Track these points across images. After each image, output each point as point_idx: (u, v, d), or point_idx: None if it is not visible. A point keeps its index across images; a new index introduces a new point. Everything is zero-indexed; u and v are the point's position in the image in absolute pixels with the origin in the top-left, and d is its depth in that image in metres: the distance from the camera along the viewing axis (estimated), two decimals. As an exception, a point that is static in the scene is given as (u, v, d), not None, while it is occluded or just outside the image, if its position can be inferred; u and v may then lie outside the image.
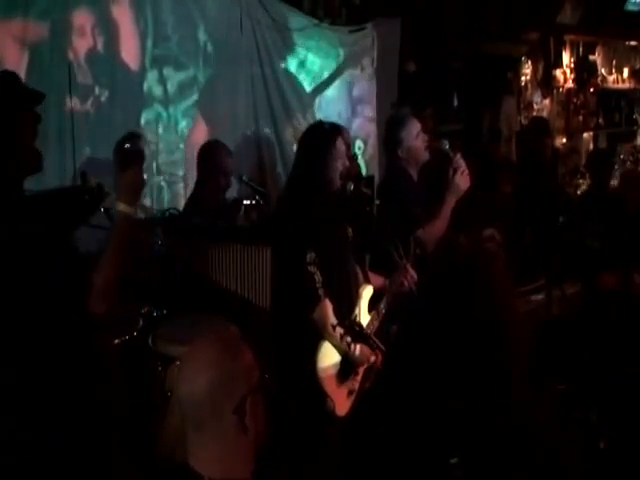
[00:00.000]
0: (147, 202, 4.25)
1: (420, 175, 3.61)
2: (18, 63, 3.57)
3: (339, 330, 2.89)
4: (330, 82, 5.39)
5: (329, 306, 2.86)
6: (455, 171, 3.40)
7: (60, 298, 2.08)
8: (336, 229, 3.02)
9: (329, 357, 2.92)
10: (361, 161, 5.55)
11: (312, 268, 2.81)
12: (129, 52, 4.10)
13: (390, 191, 3.60)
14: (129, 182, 2.26)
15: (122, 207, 2.23)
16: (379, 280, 3.25)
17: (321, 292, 2.82)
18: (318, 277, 2.82)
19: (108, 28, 3.96)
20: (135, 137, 2.33)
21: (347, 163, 3.01)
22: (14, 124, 2.13)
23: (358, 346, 2.97)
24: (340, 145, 2.99)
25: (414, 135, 3.55)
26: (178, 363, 2.80)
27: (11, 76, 2.24)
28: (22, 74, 3.61)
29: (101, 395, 2.20)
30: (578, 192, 7.11)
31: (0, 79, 2.21)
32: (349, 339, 2.93)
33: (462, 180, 3.41)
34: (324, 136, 3.01)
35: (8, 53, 3.52)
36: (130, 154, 2.26)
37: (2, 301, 2.04)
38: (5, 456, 2.04)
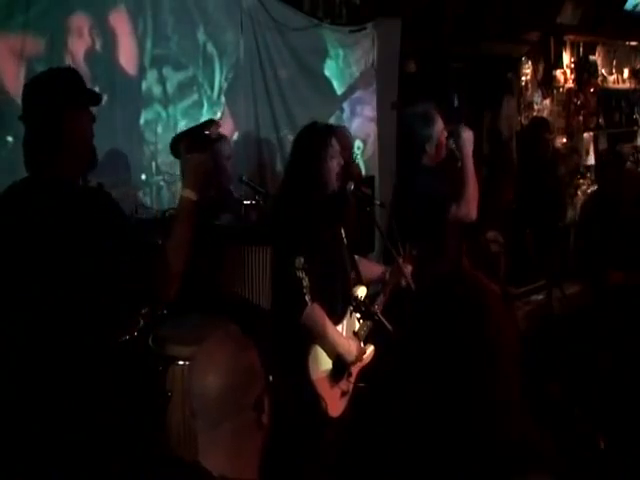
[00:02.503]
0: (147, 202, 4.25)
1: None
2: (16, 74, 3.54)
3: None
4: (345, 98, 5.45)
5: (319, 311, 2.83)
6: (458, 134, 3.45)
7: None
8: (331, 230, 3.01)
9: (321, 360, 2.91)
10: (360, 161, 5.55)
11: (300, 273, 2.79)
12: (128, 52, 4.08)
13: (419, 186, 3.50)
14: (193, 166, 2.27)
15: (186, 192, 2.26)
16: (378, 269, 3.24)
17: (307, 298, 2.79)
18: (306, 282, 2.79)
19: (106, 29, 3.94)
20: (214, 123, 2.34)
21: (342, 162, 2.99)
22: (78, 122, 2.15)
23: (354, 347, 2.96)
24: (335, 145, 2.96)
25: (442, 130, 3.53)
26: (187, 363, 2.80)
27: (74, 74, 2.24)
28: (20, 83, 3.60)
29: (101, 395, 2.20)
30: (578, 192, 7.14)
31: (62, 77, 2.20)
32: (358, 316, 2.94)
33: (467, 134, 3.42)
34: (319, 136, 2.99)
35: (5, 66, 3.49)
36: (203, 138, 2.27)
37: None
38: (5, 456, 2.04)
